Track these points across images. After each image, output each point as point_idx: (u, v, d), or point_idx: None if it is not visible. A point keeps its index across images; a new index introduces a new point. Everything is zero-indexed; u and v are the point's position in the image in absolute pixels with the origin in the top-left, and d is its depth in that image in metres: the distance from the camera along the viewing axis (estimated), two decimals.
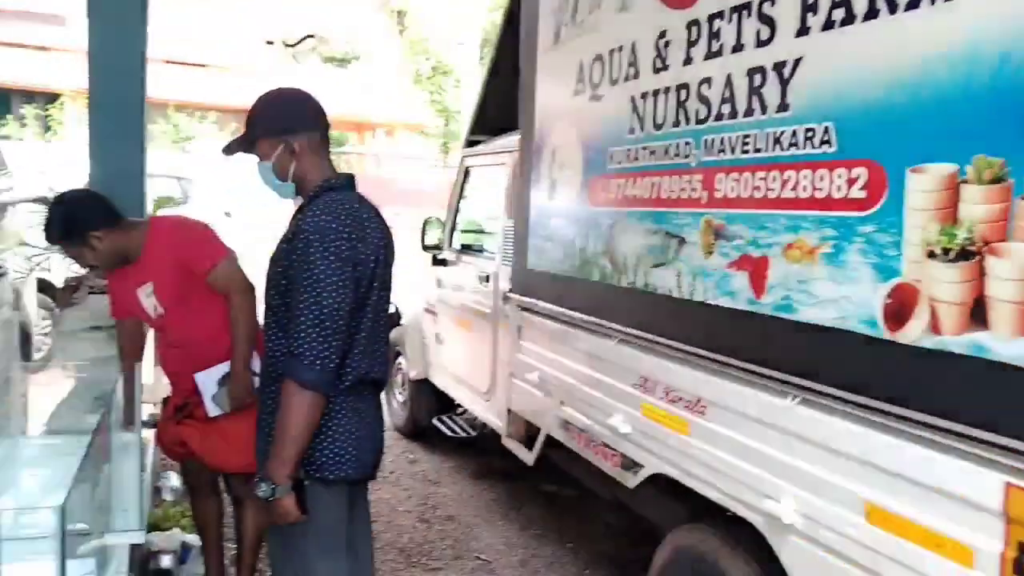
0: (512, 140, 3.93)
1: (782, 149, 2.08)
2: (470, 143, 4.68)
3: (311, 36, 22.93)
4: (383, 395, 5.59)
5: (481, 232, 4.72)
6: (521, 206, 3.58)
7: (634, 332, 2.66)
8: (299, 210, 2.05)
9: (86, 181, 4.05)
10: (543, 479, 4.47)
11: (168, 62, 18.08)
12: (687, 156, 2.41)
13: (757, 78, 2.17)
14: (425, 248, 4.84)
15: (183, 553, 3.30)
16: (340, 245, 1.90)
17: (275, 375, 1.99)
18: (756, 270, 2.16)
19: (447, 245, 4.79)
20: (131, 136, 4.43)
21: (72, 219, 2.66)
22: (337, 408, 1.99)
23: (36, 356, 4.99)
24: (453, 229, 4.80)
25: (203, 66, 20.59)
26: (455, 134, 21.60)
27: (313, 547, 2.04)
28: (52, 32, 17.11)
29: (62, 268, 4.74)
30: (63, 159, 8.10)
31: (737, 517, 2.23)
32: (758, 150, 2.16)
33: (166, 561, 3.18)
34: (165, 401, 3.04)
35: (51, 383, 4.07)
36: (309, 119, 2.08)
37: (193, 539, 3.31)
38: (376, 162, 22.56)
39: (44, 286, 5.24)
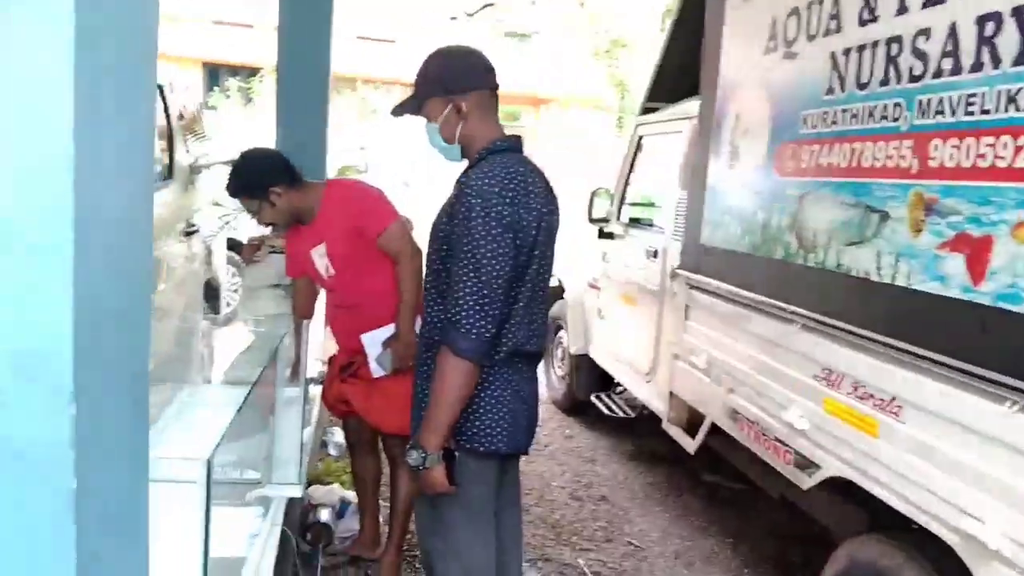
0: (691, 106, 3.68)
1: (1017, 110, 1.76)
2: (645, 110, 4.45)
3: (490, 4, 23.22)
4: (542, 367, 5.56)
5: (651, 205, 4.49)
6: (697, 176, 3.35)
7: (820, 318, 2.38)
8: (463, 173, 1.96)
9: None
10: (705, 468, 4.24)
11: (359, 38, 18.93)
12: (896, 119, 2.10)
13: (989, 26, 1.84)
14: (592, 220, 4.68)
15: (341, 508, 3.38)
16: (502, 210, 1.80)
17: (432, 342, 1.94)
18: (975, 252, 1.85)
19: (615, 218, 4.61)
20: (315, 108, 4.62)
21: (254, 173, 2.72)
22: (492, 379, 1.91)
23: (225, 310, 5.33)
24: (622, 201, 4.61)
25: (391, 41, 21.39)
26: (630, 108, 21.17)
27: (460, 518, 1.98)
28: (256, 9, 18.37)
29: (249, 228, 5.01)
30: (260, 128, 8.65)
31: (927, 532, 1.95)
32: (986, 111, 1.84)
33: (324, 515, 3.26)
34: (331, 359, 3.11)
35: (235, 336, 4.31)
36: (477, 77, 1.98)
37: (351, 495, 3.38)
38: (549, 137, 22.61)
39: (233, 245, 5.58)
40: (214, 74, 19.57)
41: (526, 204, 1.85)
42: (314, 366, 3.76)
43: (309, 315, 3.15)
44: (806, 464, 2.43)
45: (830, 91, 2.40)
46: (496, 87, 2.01)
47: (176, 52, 16.70)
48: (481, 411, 1.91)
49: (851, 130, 2.29)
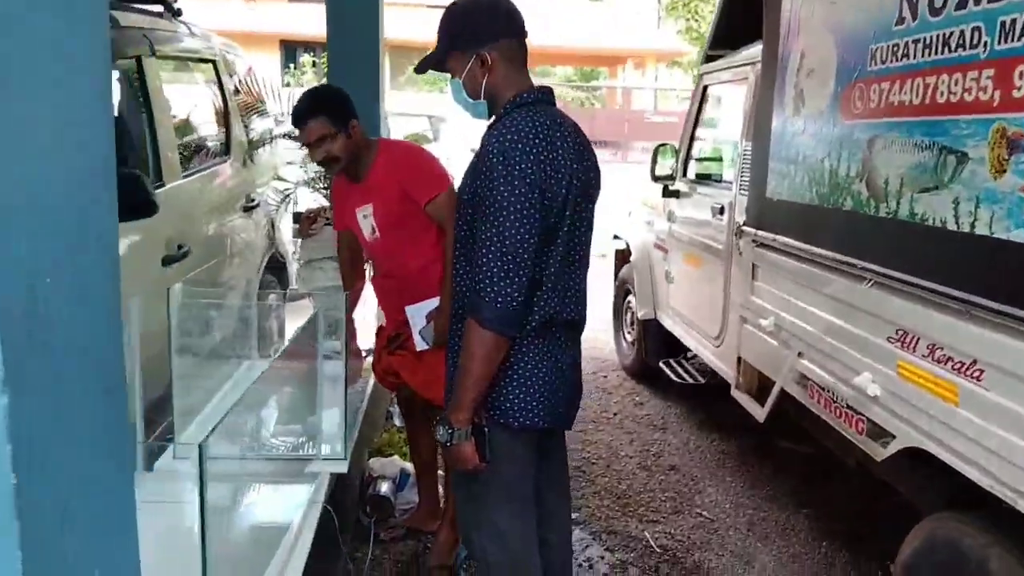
0: (756, 50, 3.42)
1: None
2: (708, 58, 4.17)
3: None
4: (609, 332, 5.38)
5: (717, 160, 4.23)
6: (761, 124, 3.10)
7: (893, 273, 2.16)
8: (488, 130, 1.83)
9: None
10: (780, 434, 4.03)
11: (428, 7, 18.81)
12: (975, 46, 1.85)
13: None
14: (655, 179, 4.45)
15: (401, 480, 3.34)
16: (525, 168, 1.66)
17: (462, 312, 1.83)
18: None
19: (680, 175, 4.37)
20: (367, 78, 4.53)
21: (345, 100, 2.64)
22: (525, 350, 1.79)
23: (293, 284, 5.36)
24: (687, 157, 4.36)
25: None
26: None
27: (494, 496, 1.90)
28: None
29: (307, 202, 5.01)
30: None
31: (1016, 511, 1.73)
32: None
33: (384, 487, 3.23)
34: (379, 331, 3.05)
35: (300, 310, 4.30)
36: (501, 25, 1.84)
37: (411, 467, 3.34)
38: (625, 95, 22.09)
39: (298, 218, 5.59)
40: (291, 51, 19.84)
41: (552, 160, 1.71)
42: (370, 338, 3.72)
43: (355, 276, 3.05)
44: (879, 433, 2.23)
45: (900, 20, 2.14)
46: (524, 35, 1.87)
47: (254, 30, 17.02)
48: (514, 384, 1.80)
49: (924, 62, 2.03)
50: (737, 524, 3.35)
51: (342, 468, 2.45)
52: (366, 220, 2.70)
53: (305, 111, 2.60)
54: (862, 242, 2.32)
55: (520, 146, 1.68)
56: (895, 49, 2.17)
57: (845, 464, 2.90)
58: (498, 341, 1.70)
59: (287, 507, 2.24)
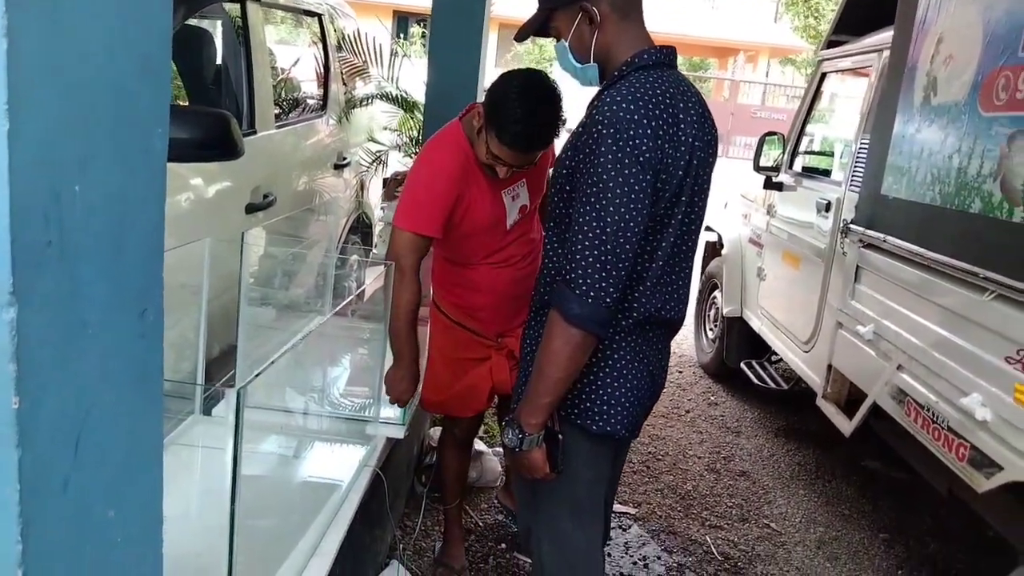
0: (884, 36, 3.15)
1: None
2: (830, 44, 3.89)
3: None
4: (694, 328, 5.16)
5: (828, 154, 3.96)
6: (883, 115, 2.85)
7: (1020, 286, 1.92)
8: (596, 95, 1.59)
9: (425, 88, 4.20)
10: (864, 452, 3.77)
11: None
12: None
13: None
14: (757, 168, 4.19)
15: None
16: (639, 144, 1.42)
17: (547, 301, 1.63)
18: None
19: (786, 167, 4.11)
20: (468, 54, 4.41)
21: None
22: (617, 347, 1.59)
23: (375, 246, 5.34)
24: (796, 148, 4.10)
25: None
26: None
27: (559, 503, 1.72)
28: None
29: (397, 167, 4.98)
30: None
31: None
32: None
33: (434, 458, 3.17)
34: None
35: (381, 271, 4.27)
36: None
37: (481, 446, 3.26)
38: (732, 88, 21.41)
39: (386, 182, 5.57)
40: (404, 22, 20.01)
41: (673, 137, 1.47)
42: None
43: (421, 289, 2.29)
44: (984, 462, 2.00)
45: None
46: None
47: (368, 0, 17.19)
48: (599, 383, 1.60)
49: None
50: (806, 540, 3.13)
51: (399, 433, 2.38)
52: (515, 202, 2.28)
53: (551, 137, 2.10)
54: (987, 250, 2.08)
55: (636, 117, 1.43)
56: None
57: (935, 491, 2.66)
58: (586, 340, 1.47)
59: (339, 466, 2.18)
